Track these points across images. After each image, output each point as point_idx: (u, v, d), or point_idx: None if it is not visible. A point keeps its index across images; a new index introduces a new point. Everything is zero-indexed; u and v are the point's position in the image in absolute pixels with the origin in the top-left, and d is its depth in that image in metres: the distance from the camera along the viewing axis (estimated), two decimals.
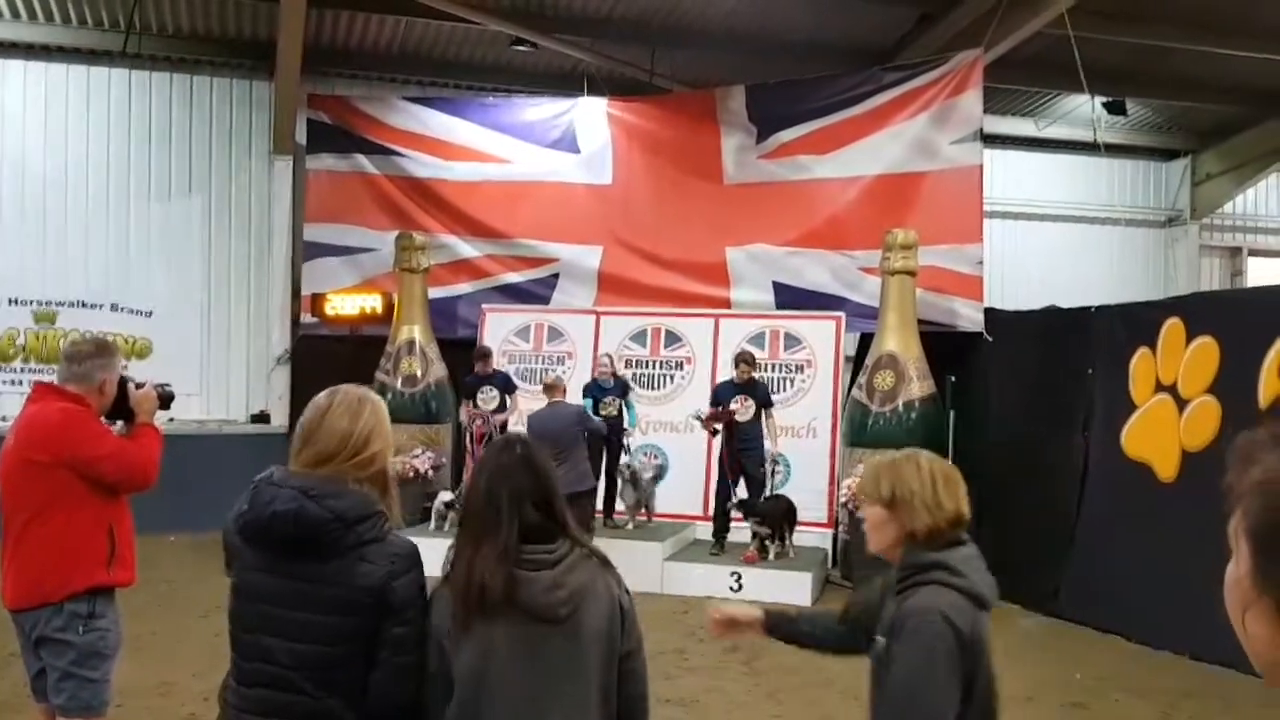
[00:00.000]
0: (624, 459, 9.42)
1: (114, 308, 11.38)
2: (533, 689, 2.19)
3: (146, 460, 3.58)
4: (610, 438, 9.27)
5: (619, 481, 9.28)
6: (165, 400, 3.80)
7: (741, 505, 8.71)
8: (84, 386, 3.60)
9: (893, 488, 2.35)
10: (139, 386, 3.74)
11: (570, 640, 2.21)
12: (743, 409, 8.84)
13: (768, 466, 8.99)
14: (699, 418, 8.96)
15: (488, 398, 9.64)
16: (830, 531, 9.63)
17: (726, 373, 9.59)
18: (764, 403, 8.98)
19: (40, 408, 3.54)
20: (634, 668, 2.30)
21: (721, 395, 9.04)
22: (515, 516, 2.22)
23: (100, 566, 3.50)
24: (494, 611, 2.17)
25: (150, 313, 11.49)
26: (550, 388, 8.76)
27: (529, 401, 10.13)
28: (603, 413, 9.30)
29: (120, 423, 3.69)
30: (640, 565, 8.54)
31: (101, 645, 3.53)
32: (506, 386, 9.71)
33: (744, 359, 9.03)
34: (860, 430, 9.31)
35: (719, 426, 8.83)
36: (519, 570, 2.19)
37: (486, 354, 9.84)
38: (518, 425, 9.19)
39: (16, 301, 11.16)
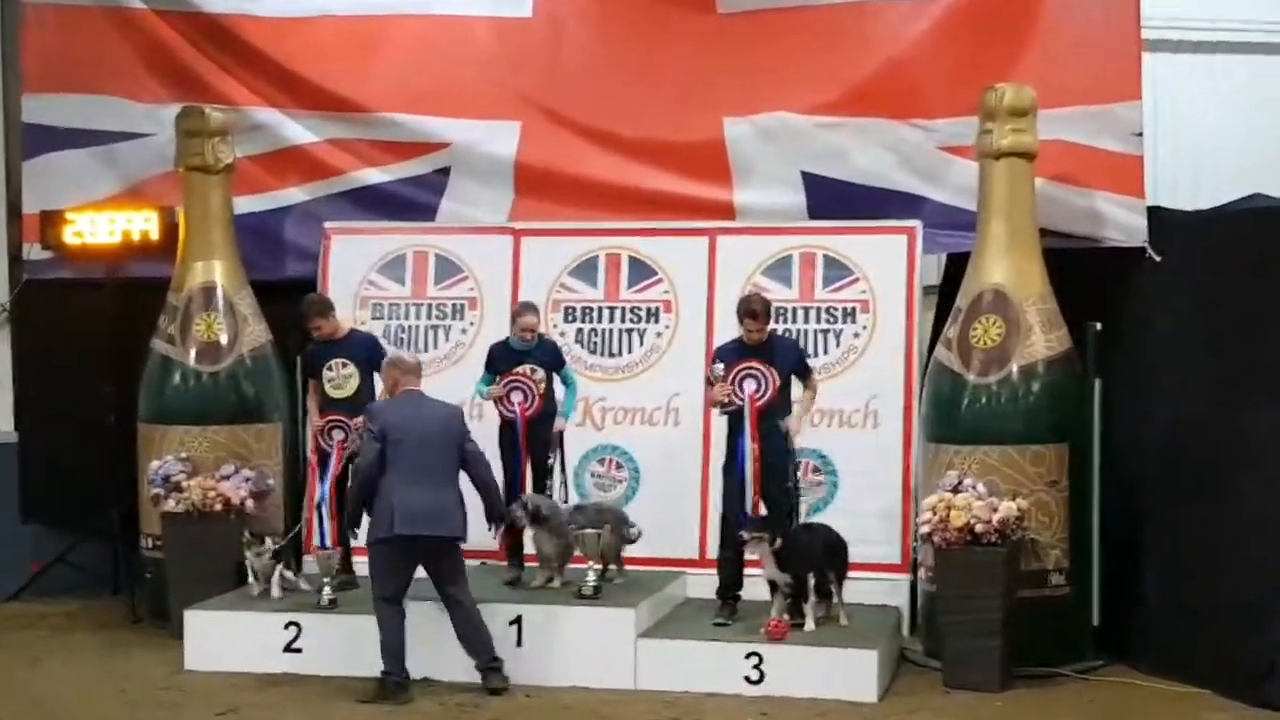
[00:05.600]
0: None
1: None
2: None
3: None
4: (532, 431, 9.14)
5: (521, 518, 8.96)
6: None
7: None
8: None
9: None
10: None
11: None
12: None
13: (794, 480, 8.75)
14: (712, 380, 8.75)
15: (340, 378, 9.28)
16: (905, 578, 9.33)
17: (730, 323, 8.99)
18: (796, 371, 8.77)
19: None
20: None
21: (725, 361, 8.77)
22: None
23: None
24: None
25: None
26: (406, 371, 8.43)
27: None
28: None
29: None
30: (601, 645, 8.30)
31: None
32: (372, 355, 9.30)
33: (749, 309, 8.68)
34: (950, 413, 8.84)
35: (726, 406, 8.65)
36: None
37: (327, 308, 9.40)
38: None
39: None
